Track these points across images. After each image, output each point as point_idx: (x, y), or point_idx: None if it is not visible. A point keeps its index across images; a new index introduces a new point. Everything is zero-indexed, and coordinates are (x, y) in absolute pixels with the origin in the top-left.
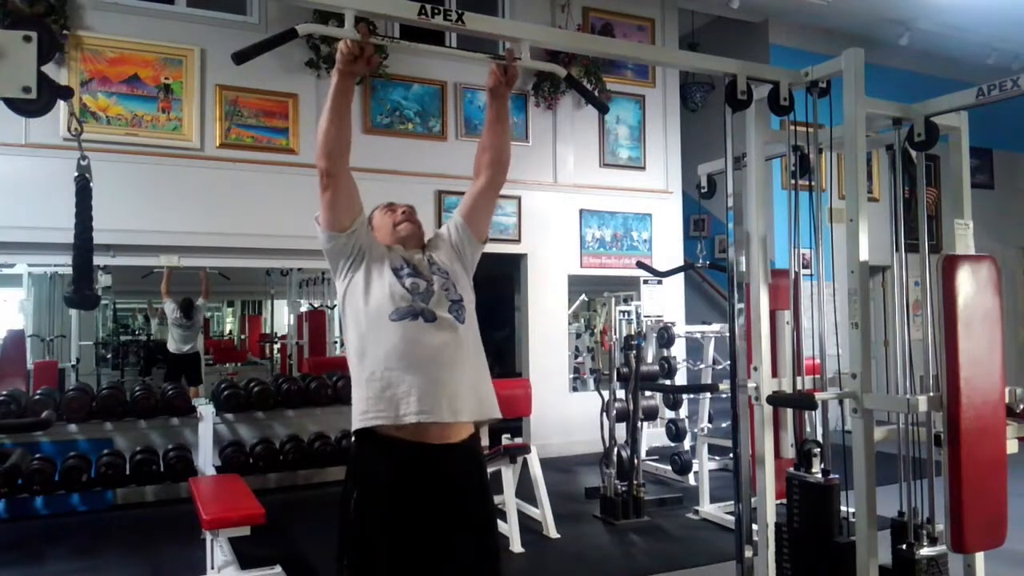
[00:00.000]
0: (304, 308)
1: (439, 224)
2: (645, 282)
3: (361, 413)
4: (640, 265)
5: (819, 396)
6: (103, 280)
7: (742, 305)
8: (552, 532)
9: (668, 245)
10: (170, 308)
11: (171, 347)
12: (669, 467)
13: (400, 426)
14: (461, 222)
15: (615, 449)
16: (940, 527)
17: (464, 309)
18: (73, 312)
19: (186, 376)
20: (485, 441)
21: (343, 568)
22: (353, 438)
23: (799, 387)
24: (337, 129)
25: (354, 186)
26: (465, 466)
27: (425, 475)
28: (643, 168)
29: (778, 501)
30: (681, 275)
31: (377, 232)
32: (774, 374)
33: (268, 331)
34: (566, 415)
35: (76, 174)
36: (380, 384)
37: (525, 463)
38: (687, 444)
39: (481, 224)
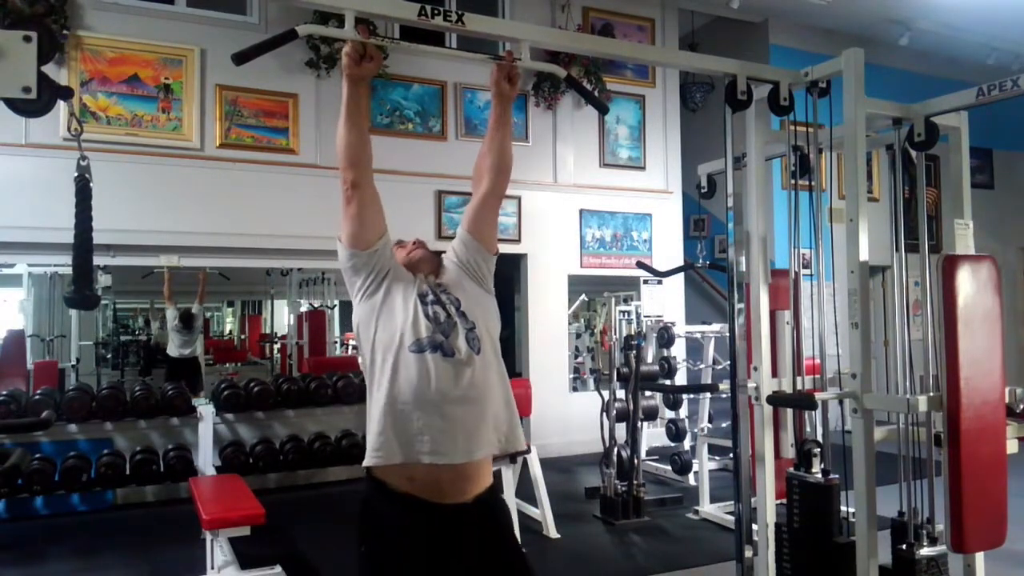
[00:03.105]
0: (304, 308)
1: (439, 223)
2: (645, 282)
3: (374, 449)
4: (640, 265)
5: (819, 396)
6: (103, 280)
7: (742, 305)
8: (552, 532)
9: (668, 245)
10: (171, 315)
11: (171, 351)
12: (669, 467)
13: (412, 476)
14: (467, 236)
15: (615, 449)
16: (940, 527)
17: (479, 338)
18: (73, 312)
19: (186, 381)
20: None
21: None
22: (366, 473)
23: (799, 387)
24: (357, 137)
25: (379, 200)
26: (486, 527)
27: (442, 542)
28: (643, 168)
29: (778, 501)
30: (681, 275)
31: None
32: (774, 374)
33: (268, 331)
34: (566, 415)
35: (76, 174)
36: (393, 418)
37: (525, 463)
38: (687, 444)
39: (488, 233)
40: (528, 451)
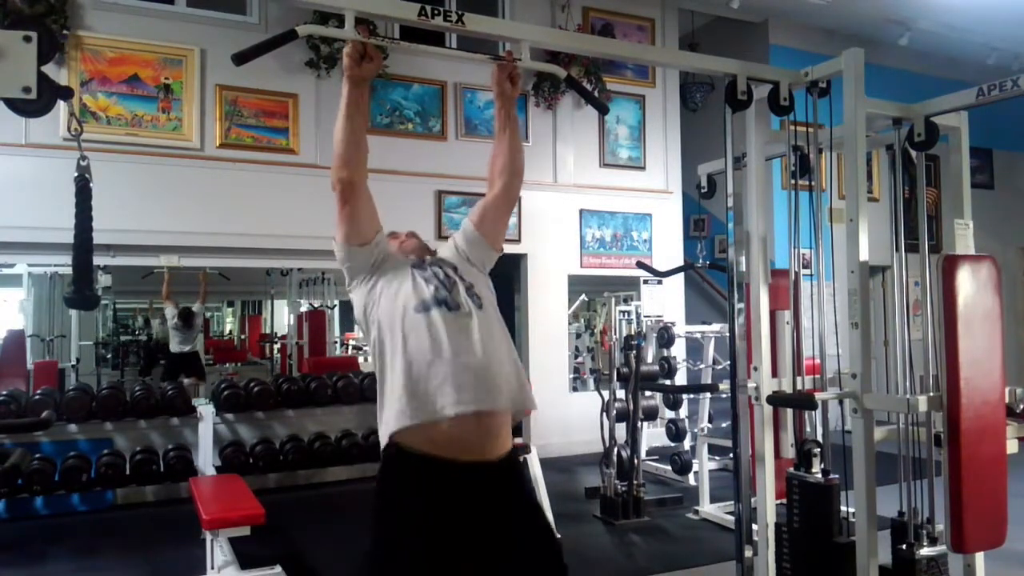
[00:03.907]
0: (304, 308)
1: (439, 223)
2: (645, 282)
3: (399, 411)
4: (640, 265)
5: (819, 396)
6: (103, 280)
7: (742, 305)
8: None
9: (668, 245)
10: (170, 313)
11: (172, 347)
12: (669, 467)
13: (433, 436)
14: (473, 231)
15: (615, 449)
16: (940, 527)
17: (479, 296)
18: (73, 312)
19: (186, 372)
20: None
21: None
22: (383, 445)
23: (799, 387)
24: (354, 138)
25: (372, 199)
26: (508, 484)
27: (464, 502)
28: (643, 168)
29: (778, 501)
30: (681, 275)
31: None
32: (774, 374)
33: (268, 331)
34: (566, 415)
35: (76, 174)
36: (411, 380)
37: (525, 463)
38: (687, 444)
39: (496, 232)
40: (528, 450)
